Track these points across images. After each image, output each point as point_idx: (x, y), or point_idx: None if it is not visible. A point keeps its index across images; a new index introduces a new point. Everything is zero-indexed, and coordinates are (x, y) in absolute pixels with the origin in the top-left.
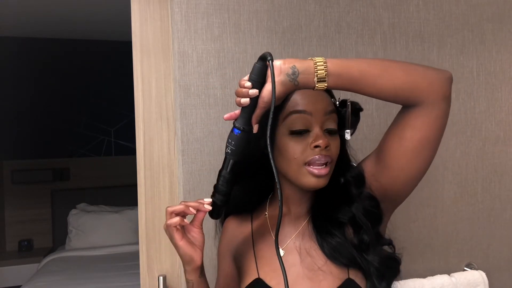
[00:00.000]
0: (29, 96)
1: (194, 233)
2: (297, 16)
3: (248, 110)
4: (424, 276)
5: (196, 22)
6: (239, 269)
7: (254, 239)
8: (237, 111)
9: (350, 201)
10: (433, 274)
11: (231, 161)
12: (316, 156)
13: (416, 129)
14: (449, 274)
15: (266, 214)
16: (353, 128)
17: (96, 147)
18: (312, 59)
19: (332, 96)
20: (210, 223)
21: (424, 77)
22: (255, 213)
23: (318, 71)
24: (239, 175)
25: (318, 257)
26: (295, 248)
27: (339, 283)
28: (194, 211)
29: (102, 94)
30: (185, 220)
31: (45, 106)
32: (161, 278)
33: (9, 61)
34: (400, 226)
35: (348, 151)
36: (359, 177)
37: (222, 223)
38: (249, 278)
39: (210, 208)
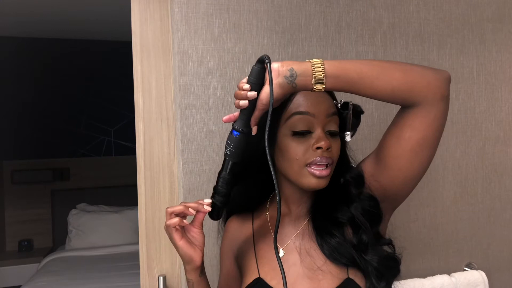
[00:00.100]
0: (29, 96)
1: (194, 233)
2: (297, 16)
3: (247, 112)
4: (424, 276)
5: (196, 22)
6: (241, 269)
7: (255, 239)
8: (236, 113)
9: (349, 201)
10: (433, 274)
11: (230, 162)
12: (318, 158)
13: (414, 130)
14: (449, 274)
15: (267, 214)
16: (354, 130)
17: (96, 147)
18: (310, 61)
19: (334, 98)
20: (210, 224)
21: (421, 78)
22: (256, 213)
23: (316, 73)
24: (239, 176)
25: (318, 257)
26: (295, 248)
27: (338, 282)
28: (194, 212)
29: (102, 94)
30: (184, 220)
31: (45, 106)
32: (161, 278)
33: (9, 61)
34: (400, 226)
35: (348, 152)
36: (359, 178)
37: (225, 223)
38: (250, 278)
39: (209, 209)
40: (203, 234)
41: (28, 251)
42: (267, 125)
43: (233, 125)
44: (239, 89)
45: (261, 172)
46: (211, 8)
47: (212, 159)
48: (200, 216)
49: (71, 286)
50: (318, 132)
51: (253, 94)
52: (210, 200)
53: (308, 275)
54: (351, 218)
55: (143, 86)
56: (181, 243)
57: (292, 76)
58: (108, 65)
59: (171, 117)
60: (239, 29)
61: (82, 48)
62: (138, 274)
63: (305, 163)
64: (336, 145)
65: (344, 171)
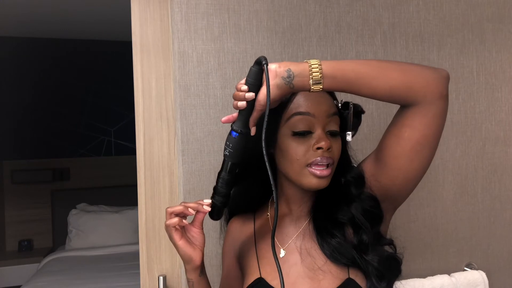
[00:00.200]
0: (29, 96)
1: (194, 233)
2: (297, 16)
3: (245, 113)
4: (424, 276)
5: (196, 22)
6: (242, 269)
7: (256, 239)
8: (235, 114)
9: (350, 201)
10: (433, 274)
11: (229, 163)
12: (318, 158)
13: (414, 129)
14: (449, 274)
15: (268, 215)
16: (355, 130)
17: (96, 147)
18: (307, 62)
19: (334, 98)
20: (210, 224)
21: (419, 77)
22: (257, 213)
23: (313, 74)
24: (239, 176)
25: (319, 257)
26: (295, 248)
27: (339, 283)
28: (193, 212)
29: (102, 94)
30: (184, 220)
31: (45, 106)
32: (161, 278)
33: (9, 61)
34: (400, 226)
35: (349, 151)
36: (359, 178)
37: (227, 223)
38: (251, 278)
39: (209, 209)
40: (203, 234)
41: (28, 251)
42: (264, 126)
43: (232, 126)
44: (237, 90)
45: (261, 172)
46: (211, 8)
47: (212, 159)
48: (200, 216)
49: (71, 286)
50: (318, 132)
51: (251, 95)
52: (209, 201)
53: (309, 275)
54: (352, 218)
55: (143, 86)
56: (180, 242)
57: (290, 77)
58: (108, 65)
59: (171, 117)
60: (239, 29)
61: (82, 48)
62: (138, 274)
63: (306, 163)
64: (336, 145)
65: (345, 171)
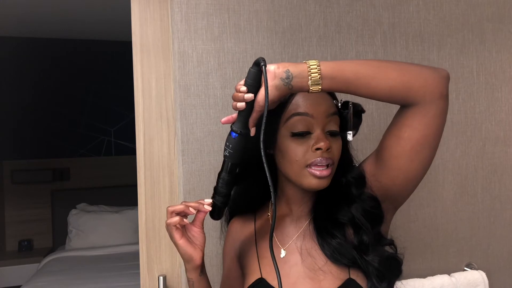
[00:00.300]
0: (29, 96)
1: (195, 232)
2: (297, 16)
3: (244, 114)
4: (424, 276)
5: (196, 22)
6: (243, 269)
7: (257, 239)
8: (234, 114)
9: (350, 201)
10: (433, 274)
11: (229, 163)
12: (318, 158)
13: (414, 129)
14: (449, 274)
15: (268, 215)
16: (355, 129)
17: (96, 147)
18: (306, 63)
19: (334, 98)
20: (211, 224)
21: (419, 77)
22: (258, 213)
23: (312, 75)
24: (239, 176)
25: (319, 257)
26: (296, 248)
27: (339, 283)
28: (194, 211)
29: (102, 94)
30: (185, 219)
31: (45, 106)
32: (161, 278)
33: (9, 61)
34: (400, 226)
35: (351, 151)
36: (360, 178)
37: (227, 224)
38: (252, 278)
39: (210, 208)
40: (204, 234)
41: (28, 251)
42: (262, 127)
43: (231, 126)
44: (237, 91)
45: (261, 172)
46: (211, 8)
47: (212, 159)
48: (201, 215)
49: (71, 286)
50: (317, 132)
51: (250, 96)
52: (210, 200)
53: (309, 275)
54: (352, 218)
55: (143, 86)
56: (181, 242)
57: (288, 78)
58: (108, 65)
59: (171, 117)
60: (239, 29)
61: (82, 48)
62: (138, 274)
63: (305, 164)
64: (336, 145)
65: (345, 171)
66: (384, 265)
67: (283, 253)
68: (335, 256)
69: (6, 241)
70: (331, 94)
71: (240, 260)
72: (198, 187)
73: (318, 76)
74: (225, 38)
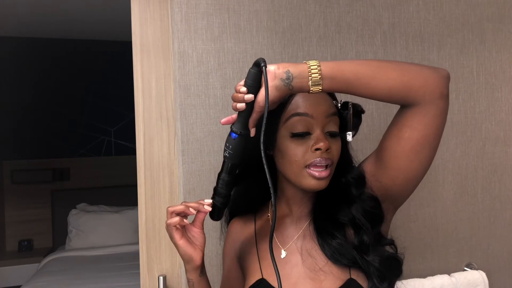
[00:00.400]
0: (29, 96)
1: (195, 233)
2: (297, 16)
3: (244, 115)
4: (424, 276)
5: (196, 22)
6: (243, 270)
7: (257, 240)
8: (234, 115)
9: (350, 202)
10: (433, 274)
11: (229, 164)
12: (317, 159)
13: (414, 129)
14: (449, 274)
15: (268, 215)
16: (355, 130)
17: (96, 147)
18: (306, 63)
19: (334, 98)
20: (211, 224)
21: (419, 77)
22: (258, 214)
23: (312, 75)
24: (239, 177)
25: (320, 258)
26: (296, 249)
27: (340, 283)
28: (194, 212)
29: (102, 94)
30: (185, 220)
31: (45, 106)
32: (161, 278)
33: (9, 61)
34: (400, 226)
35: (350, 152)
36: (360, 178)
37: (227, 224)
38: (253, 279)
39: (210, 209)
40: (204, 234)
41: (28, 251)
42: (263, 129)
43: (231, 127)
44: (236, 92)
45: (261, 173)
46: (211, 8)
47: (212, 159)
48: (201, 216)
49: (71, 286)
50: (317, 133)
51: (250, 97)
52: (210, 201)
53: (310, 276)
54: (352, 218)
55: (143, 86)
56: (181, 242)
57: (289, 78)
58: (108, 65)
59: (171, 117)
60: (239, 29)
61: (83, 48)
62: (138, 274)
63: (305, 164)
64: (336, 146)
65: (345, 172)
66: (385, 265)
67: (283, 254)
68: (336, 256)
69: (6, 241)
70: (331, 95)
71: (240, 261)
72: (198, 187)
73: (319, 76)
74: (225, 38)
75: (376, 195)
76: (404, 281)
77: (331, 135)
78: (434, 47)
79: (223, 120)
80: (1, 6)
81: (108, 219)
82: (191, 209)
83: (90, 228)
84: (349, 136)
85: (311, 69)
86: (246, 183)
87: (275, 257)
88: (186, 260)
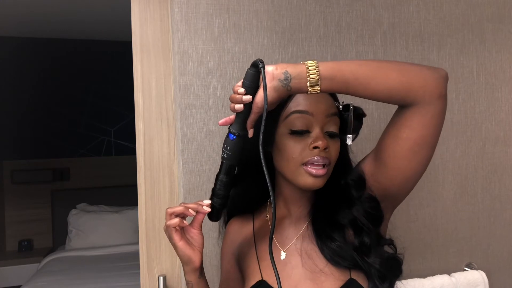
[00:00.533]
0: (29, 96)
1: (194, 234)
2: (297, 16)
3: (242, 116)
4: (424, 276)
5: (196, 22)
6: (242, 271)
7: (256, 241)
8: (232, 116)
9: (350, 203)
10: (433, 274)
11: (227, 165)
12: (315, 157)
13: (412, 129)
14: (449, 274)
15: (267, 216)
16: (355, 133)
17: (96, 147)
18: (304, 63)
19: (336, 99)
20: (210, 224)
21: (418, 77)
22: (256, 214)
23: (311, 76)
24: (237, 178)
25: (319, 259)
26: (296, 250)
27: (340, 284)
28: (193, 213)
29: (102, 94)
30: (184, 221)
31: (45, 106)
32: (161, 278)
33: (9, 61)
34: (400, 226)
35: (350, 154)
36: (360, 180)
37: (226, 225)
38: (253, 280)
39: (208, 210)
40: (202, 235)
41: (28, 251)
42: (261, 130)
43: (229, 128)
44: (234, 93)
45: (260, 173)
46: (211, 8)
47: (212, 159)
48: (200, 217)
49: (71, 286)
50: (316, 131)
51: (248, 98)
52: (209, 201)
53: (310, 277)
54: (352, 220)
55: (143, 86)
56: (180, 243)
57: (287, 79)
58: (108, 65)
59: (171, 117)
60: (239, 29)
61: (82, 48)
62: (138, 274)
63: (302, 162)
64: (334, 147)
65: (345, 173)
66: (385, 266)
67: (283, 255)
68: (336, 259)
69: (6, 241)
70: (332, 95)
71: (238, 262)
72: (198, 187)
73: (317, 77)
74: (225, 38)
75: (375, 194)
76: (404, 281)
77: (330, 135)
78: (434, 47)
79: (221, 121)
80: (1, 6)
81: (108, 219)
82: (190, 210)
83: (90, 228)
84: (349, 139)
85: (310, 70)
86: (244, 184)
87: (274, 258)
88: (185, 261)
